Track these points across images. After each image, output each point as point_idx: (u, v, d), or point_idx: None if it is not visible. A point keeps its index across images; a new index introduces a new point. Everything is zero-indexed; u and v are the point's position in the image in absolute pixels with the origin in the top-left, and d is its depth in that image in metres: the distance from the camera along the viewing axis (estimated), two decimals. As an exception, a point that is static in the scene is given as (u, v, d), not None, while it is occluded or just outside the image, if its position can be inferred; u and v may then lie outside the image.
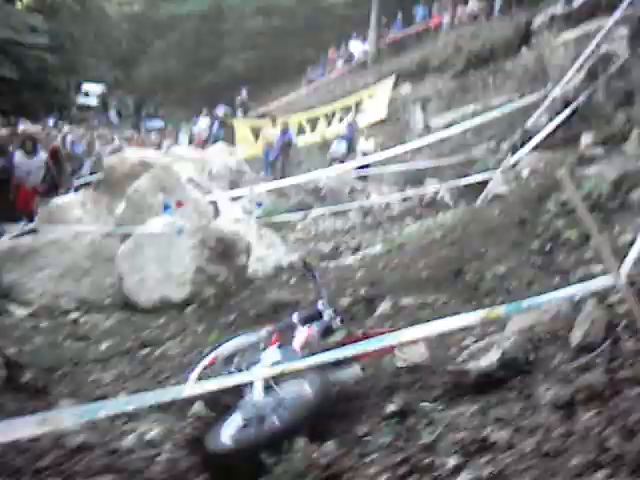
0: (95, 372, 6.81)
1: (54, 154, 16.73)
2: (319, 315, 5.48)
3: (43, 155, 13.72)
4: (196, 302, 8.82)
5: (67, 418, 3.82)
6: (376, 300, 7.35)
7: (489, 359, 4.48)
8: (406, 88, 22.61)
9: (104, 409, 3.98)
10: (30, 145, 13.26)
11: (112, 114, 37.54)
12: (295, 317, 5.53)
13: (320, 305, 5.52)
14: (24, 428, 3.79)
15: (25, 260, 9.44)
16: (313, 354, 4.69)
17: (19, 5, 35.65)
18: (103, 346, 7.59)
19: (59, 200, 10.92)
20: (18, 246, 9.63)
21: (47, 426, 3.73)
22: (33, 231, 10.13)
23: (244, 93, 31.33)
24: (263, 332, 5.59)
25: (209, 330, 7.71)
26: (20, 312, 8.84)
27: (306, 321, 5.46)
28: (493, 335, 5.15)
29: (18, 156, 13.15)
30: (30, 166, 13.04)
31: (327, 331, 5.37)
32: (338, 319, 5.42)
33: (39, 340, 7.82)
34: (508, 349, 4.53)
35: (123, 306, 9.00)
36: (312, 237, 12.50)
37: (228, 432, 4.43)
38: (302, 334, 5.31)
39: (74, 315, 8.67)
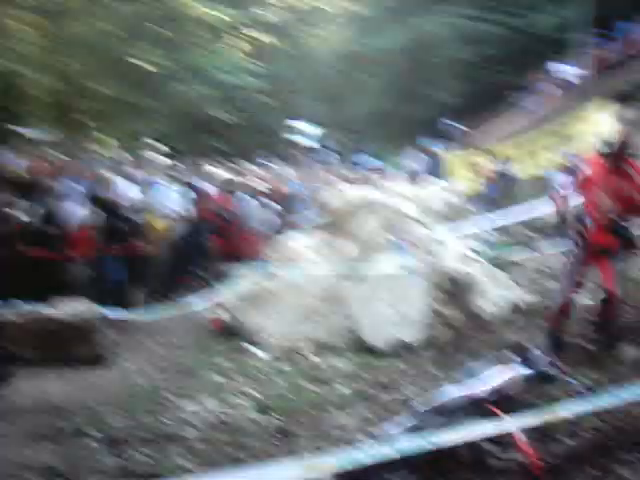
0: (338, 416, 6.90)
1: (276, 195, 17.35)
2: (535, 361, 5.32)
3: (271, 203, 14.40)
4: (432, 345, 8.77)
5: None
6: (622, 344, 6.96)
7: None
8: (628, 113, 21.55)
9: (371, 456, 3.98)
10: (251, 189, 13.98)
11: (327, 153, 38.42)
12: (516, 356, 5.38)
13: (535, 351, 5.35)
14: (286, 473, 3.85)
15: (264, 303, 9.77)
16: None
17: (239, 52, 37.49)
18: (344, 390, 7.69)
19: (290, 242, 11.20)
20: (257, 289, 9.99)
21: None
22: (269, 275, 10.44)
23: (455, 125, 31.12)
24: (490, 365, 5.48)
25: (446, 373, 7.62)
26: (262, 355, 9.15)
27: (524, 362, 5.31)
28: None
29: (247, 203, 13.80)
30: (258, 214, 13.75)
31: (541, 378, 5.19)
32: (554, 369, 5.22)
33: (281, 383, 8.06)
34: None
35: (360, 349, 9.05)
36: (545, 276, 12.08)
37: None
38: (503, 373, 5.17)
39: (313, 358, 8.85)
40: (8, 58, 25.88)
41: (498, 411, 4.93)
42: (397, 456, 4.52)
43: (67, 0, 30.01)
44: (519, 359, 5.39)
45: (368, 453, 4.20)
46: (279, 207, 15.64)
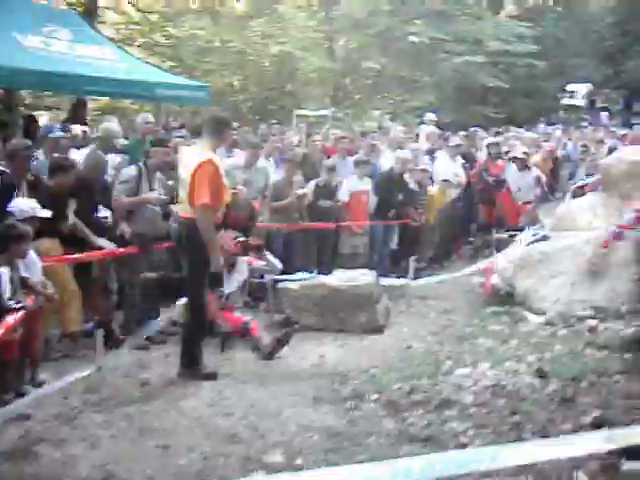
0: (622, 383, 6.59)
1: (550, 160, 16.87)
2: None
3: (535, 171, 13.67)
4: None
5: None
6: None
7: None
8: None
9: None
10: (519, 162, 13.33)
11: (601, 113, 36.72)
12: None
13: None
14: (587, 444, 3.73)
15: (538, 267, 9.54)
16: None
17: (504, 15, 36.68)
18: (626, 355, 7.32)
19: (567, 206, 10.86)
20: (531, 253, 9.79)
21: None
22: (544, 238, 10.20)
23: None
24: None
25: None
26: (536, 319, 8.96)
27: None
28: None
29: (510, 171, 13.49)
30: (521, 181, 13.23)
31: None
32: None
33: (558, 348, 7.83)
34: None
35: (641, 313, 8.60)
36: None
37: None
38: None
39: (591, 322, 8.50)
40: (287, 44, 27.18)
41: None
42: None
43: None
44: None
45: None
46: (550, 172, 15.24)
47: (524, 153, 13.78)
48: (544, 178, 14.03)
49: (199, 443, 5.64)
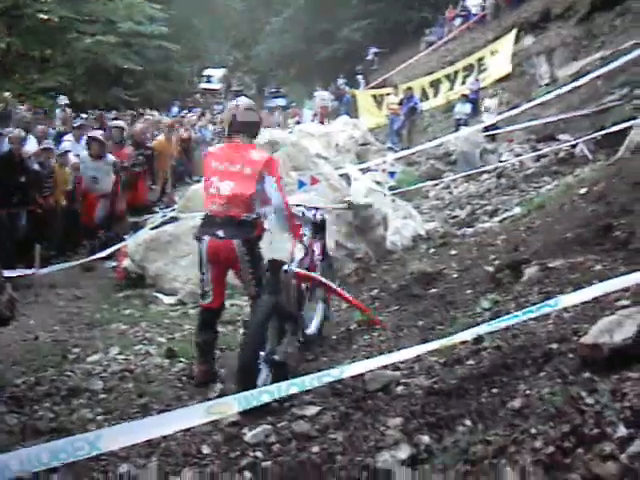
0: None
1: (185, 142, 17.10)
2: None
3: (111, 158, 12.12)
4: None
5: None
6: (522, 265, 7.00)
7: (624, 334, 3.90)
8: (529, 40, 21.86)
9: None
10: (96, 147, 11.87)
11: (235, 95, 38.05)
12: None
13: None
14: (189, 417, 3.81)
15: (167, 248, 9.65)
16: None
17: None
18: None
19: (195, 186, 11.06)
20: (160, 235, 9.86)
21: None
22: (173, 220, 10.31)
23: (365, 61, 31.23)
24: None
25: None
26: (167, 300, 9.06)
27: None
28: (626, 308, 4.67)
29: (82, 160, 12.11)
30: (96, 171, 11.82)
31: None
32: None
33: (188, 327, 7.97)
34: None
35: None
36: (446, 204, 12.27)
37: None
38: None
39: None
40: None
41: None
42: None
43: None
44: None
45: (269, 391, 4.17)
46: (185, 153, 15.41)
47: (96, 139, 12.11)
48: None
49: None
